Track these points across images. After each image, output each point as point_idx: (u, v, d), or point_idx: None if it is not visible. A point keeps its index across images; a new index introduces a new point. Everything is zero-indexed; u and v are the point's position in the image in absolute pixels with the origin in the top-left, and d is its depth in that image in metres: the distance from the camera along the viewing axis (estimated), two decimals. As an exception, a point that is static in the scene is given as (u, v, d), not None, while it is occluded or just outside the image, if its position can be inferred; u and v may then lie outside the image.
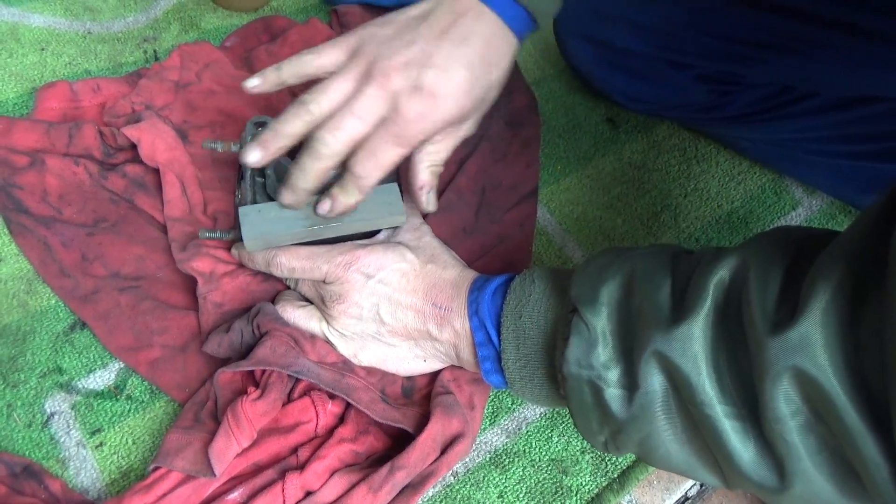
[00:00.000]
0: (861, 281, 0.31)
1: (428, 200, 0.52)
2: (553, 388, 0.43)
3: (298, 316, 0.50)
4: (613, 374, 0.38)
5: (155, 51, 0.71)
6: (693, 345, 0.35)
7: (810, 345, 0.31)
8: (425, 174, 0.50)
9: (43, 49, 0.69)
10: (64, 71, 0.68)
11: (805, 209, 0.72)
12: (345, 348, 0.50)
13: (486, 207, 0.64)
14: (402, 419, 0.49)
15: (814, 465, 0.33)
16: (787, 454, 0.33)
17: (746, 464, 0.35)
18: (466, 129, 0.51)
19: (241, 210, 0.49)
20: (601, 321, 0.39)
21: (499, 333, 0.44)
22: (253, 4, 0.76)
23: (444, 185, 0.64)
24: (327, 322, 0.50)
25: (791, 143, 0.69)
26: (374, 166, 0.46)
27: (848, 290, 0.31)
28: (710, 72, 0.67)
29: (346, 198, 0.47)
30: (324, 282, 0.49)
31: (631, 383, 0.37)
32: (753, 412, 0.34)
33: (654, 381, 0.36)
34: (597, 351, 0.38)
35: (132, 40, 0.71)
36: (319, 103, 0.45)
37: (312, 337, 0.50)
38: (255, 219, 0.48)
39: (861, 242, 0.32)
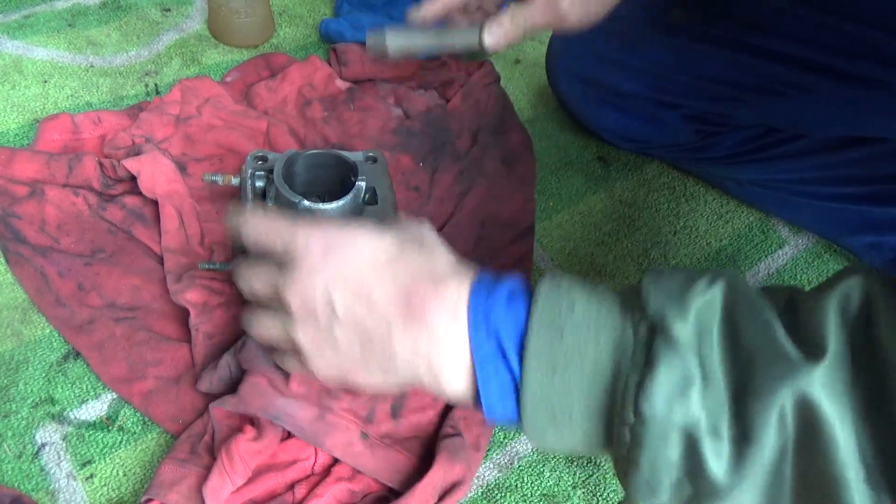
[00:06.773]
0: None
1: (492, 32, 0.55)
2: (595, 430, 0.34)
3: (265, 325, 0.41)
4: (721, 423, 0.30)
5: (156, 85, 0.72)
6: (837, 387, 0.29)
7: None
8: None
9: (45, 81, 0.70)
10: (66, 103, 0.69)
11: (791, 248, 0.73)
12: (310, 357, 0.40)
13: (485, 240, 0.65)
14: (376, 468, 0.48)
15: None
16: None
17: None
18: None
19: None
20: (711, 355, 0.31)
21: (521, 353, 0.34)
22: (253, 41, 0.78)
23: (444, 221, 0.65)
24: (286, 325, 0.40)
25: (777, 185, 0.71)
26: None
27: None
28: (696, 111, 0.69)
29: (511, 25, 0.54)
30: (284, 254, 0.39)
31: (741, 435, 0.29)
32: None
33: (772, 434, 0.29)
34: (695, 389, 0.30)
35: (134, 74, 0.73)
36: None
37: (288, 375, 0.48)
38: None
39: None
